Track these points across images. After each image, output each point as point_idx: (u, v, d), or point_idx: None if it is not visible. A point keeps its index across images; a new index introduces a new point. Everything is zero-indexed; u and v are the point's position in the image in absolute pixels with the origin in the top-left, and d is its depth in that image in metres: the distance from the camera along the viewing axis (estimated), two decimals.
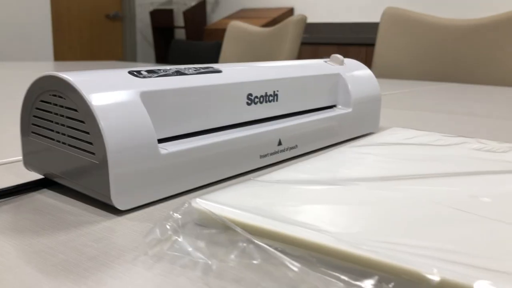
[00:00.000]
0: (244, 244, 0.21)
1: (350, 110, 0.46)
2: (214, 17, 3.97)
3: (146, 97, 0.28)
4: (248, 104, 0.36)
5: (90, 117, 0.26)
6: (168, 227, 0.23)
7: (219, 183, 0.33)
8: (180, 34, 4.25)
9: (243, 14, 3.66)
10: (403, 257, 0.19)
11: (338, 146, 0.44)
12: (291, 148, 0.39)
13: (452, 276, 0.18)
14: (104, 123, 0.26)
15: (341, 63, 0.48)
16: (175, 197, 0.30)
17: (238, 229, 0.21)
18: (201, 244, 0.22)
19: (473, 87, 1.16)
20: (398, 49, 1.52)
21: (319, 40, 2.94)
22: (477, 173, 0.32)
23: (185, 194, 0.30)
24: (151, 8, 4.17)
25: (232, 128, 0.35)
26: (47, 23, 3.29)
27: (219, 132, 0.34)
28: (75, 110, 0.27)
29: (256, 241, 0.21)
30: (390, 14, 1.53)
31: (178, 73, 0.32)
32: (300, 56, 3.06)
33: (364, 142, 0.41)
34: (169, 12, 4.15)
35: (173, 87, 0.30)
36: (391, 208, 0.25)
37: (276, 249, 0.20)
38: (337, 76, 0.46)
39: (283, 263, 0.20)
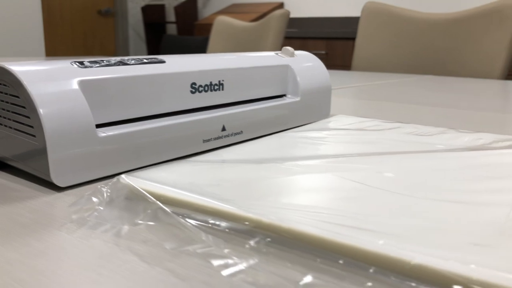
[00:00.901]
0: (155, 211, 0.24)
1: (298, 99, 0.49)
2: (205, 12, 3.98)
3: (85, 85, 0.31)
4: (192, 92, 0.39)
5: (31, 104, 0.29)
6: (94, 198, 0.26)
7: (160, 164, 0.36)
8: (172, 29, 4.27)
9: (234, 9, 3.67)
10: (283, 217, 0.22)
11: (284, 132, 0.47)
12: (236, 133, 0.42)
13: (320, 232, 0.20)
14: (43, 110, 0.28)
15: (292, 55, 0.51)
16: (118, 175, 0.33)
17: (151, 198, 0.24)
18: (120, 212, 0.25)
19: (446, 79, 1.19)
20: (378, 42, 1.55)
21: (308, 35, 2.96)
22: (394, 153, 0.35)
23: (129, 173, 0.33)
24: (143, 4, 4.18)
25: (176, 115, 0.38)
26: (38, 19, 3.30)
27: (161, 118, 0.36)
28: (18, 97, 0.29)
29: (165, 208, 0.24)
30: (370, 8, 1.56)
31: (120, 63, 0.35)
32: None
33: (306, 128, 0.44)
34: (161, 8, 4.17)
35: (111, 76, 0.33)
36: (295, 181, 0.27)
37: (180, 215, 0.23)
38: (286, 67, 0.49)
39: (184, 225, 0.22)
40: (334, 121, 0.47)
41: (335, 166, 0.31)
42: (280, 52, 0.52)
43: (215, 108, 0.41)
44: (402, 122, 0.46)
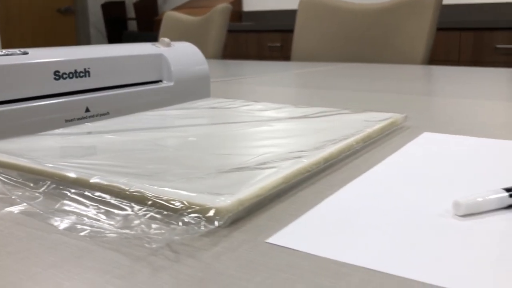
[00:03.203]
0: None
1: (172, 84, 0.56)
2: (166, 7, 4.01)
3: None
4: (56, 79, 0.45)
5: None
6: None
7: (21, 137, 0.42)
8: (133, 25, 4.28)
9: (193, 4, 3.71)
10: (63, 168, 0.28)
11: (152, 111, 0.54)
12: (102, 114, 0.48)
13: (85, 176, 0.27)
14: None
15: (168, 45, 0.58)
16: None
17: None
18: None
19: (372, 65, 1.28)
20: (315, 34, 1.62)
21: (264, 28, 3.03)
22: (218, 123, 0.41)
23: None
24: (103, 1, 4.18)
25: (39, 99, 0.44)
26: None
27: (20, 102, 0.42)
28: None
29: None
30: (306, 1, 1.63)
31: None
32: (245, 44, 3.12)
33: (170, 108, 0.50)
34: (121, 4, 4.18)
35: None
36: (112, 145, 0.34)
37: None
38: (160, 56, 0.56)
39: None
40: (199, 102, 0.53)
41: (157, 135, 0.38)
42: (157, 43, 0.58)
43: (82, 93, 0.47)
44: (257, 101, 0.53)
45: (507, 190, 0.25)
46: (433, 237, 0.22)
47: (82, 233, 0.23)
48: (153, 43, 0.58)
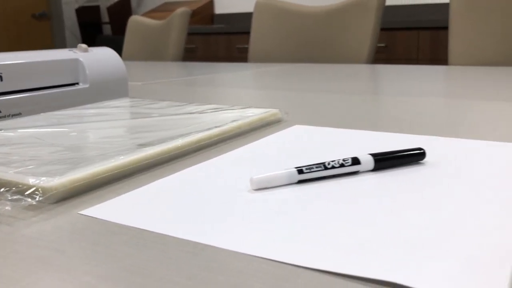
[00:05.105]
0: None
1: (87, 86, 0.60)
2: (140, 11, 4.04)
3: None
4: None
5: None
6: None
7: None
8: (108, 29, 4.30)
9: (166, 8, 3.75)
10: None
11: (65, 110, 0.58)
12: (14, 114, 0.53)
13: None
14: None
15: (85, 50, 0.62)
16: None
17: None
18: None
19: (318, 66, 1.33)
20: (270, 36, 1.68)
21: (233, 30, 3.08)
22: (107, 120, 0.46)
23: None
24: (77, 6, 4.20)
25: None
26: None
27: None
28: None
29: None
30: (261, 4, 1.69)
31: None
32: (215, 46, 3.17)
33: (79, 107, 0.55)
34: (96, 8, 4.20)
35: None
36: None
37: None
38: (76, 61, 0.60)
39: None
40: (108, 102, 0.58)
41: (46, 131, 0.42)
42: (75, 48, 0.63)
43: None
44: (163, 100, 0.58)
45: (298, 168, 0.31)
46: (224, 206, 0.27)
47: None
48: (71, 49, 0.63)
